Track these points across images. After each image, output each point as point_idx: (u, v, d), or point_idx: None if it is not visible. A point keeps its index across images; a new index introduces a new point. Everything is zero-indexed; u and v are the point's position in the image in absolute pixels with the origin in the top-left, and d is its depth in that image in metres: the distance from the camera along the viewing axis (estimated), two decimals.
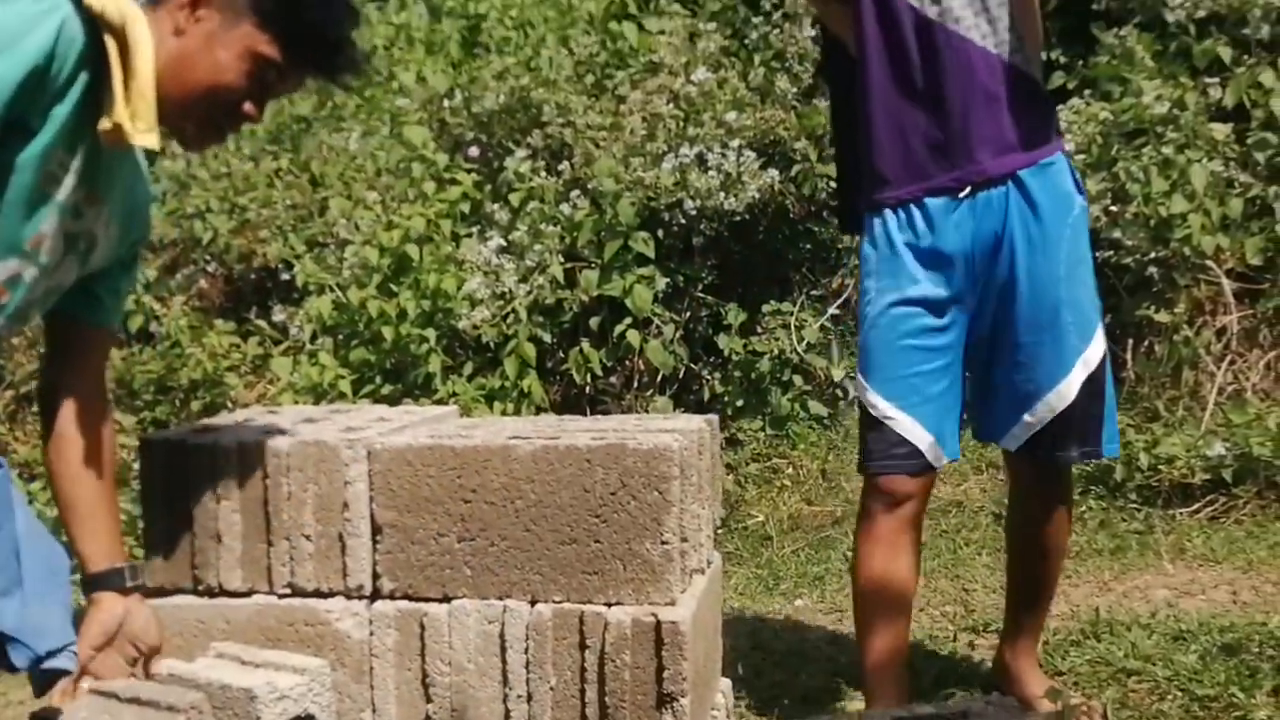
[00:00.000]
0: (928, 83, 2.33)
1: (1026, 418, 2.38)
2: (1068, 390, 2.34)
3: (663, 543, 2.08)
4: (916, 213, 2.36)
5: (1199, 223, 4.54)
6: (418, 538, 2.19)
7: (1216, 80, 4.84)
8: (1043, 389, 2.36)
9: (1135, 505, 4.05)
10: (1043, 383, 2.36)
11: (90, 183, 1.78)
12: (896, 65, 2.35)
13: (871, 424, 2.40)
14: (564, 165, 5.23)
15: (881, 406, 2.38)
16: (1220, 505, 3.95)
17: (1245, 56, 4.89)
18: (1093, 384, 2.35)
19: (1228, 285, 4.61)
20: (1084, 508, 4.09)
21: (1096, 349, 2.36)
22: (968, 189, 2.33)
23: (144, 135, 1.69)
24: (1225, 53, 4.86)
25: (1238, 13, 4.90)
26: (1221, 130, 4.72)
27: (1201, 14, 4.95)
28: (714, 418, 2.47)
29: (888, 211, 2.39)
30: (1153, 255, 4.61)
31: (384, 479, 2.20)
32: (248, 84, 1.77)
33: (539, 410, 4.77)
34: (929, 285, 2.36)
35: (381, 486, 2.20)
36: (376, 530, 2.21)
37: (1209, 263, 4.60)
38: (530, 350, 4.79)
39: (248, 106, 1.79)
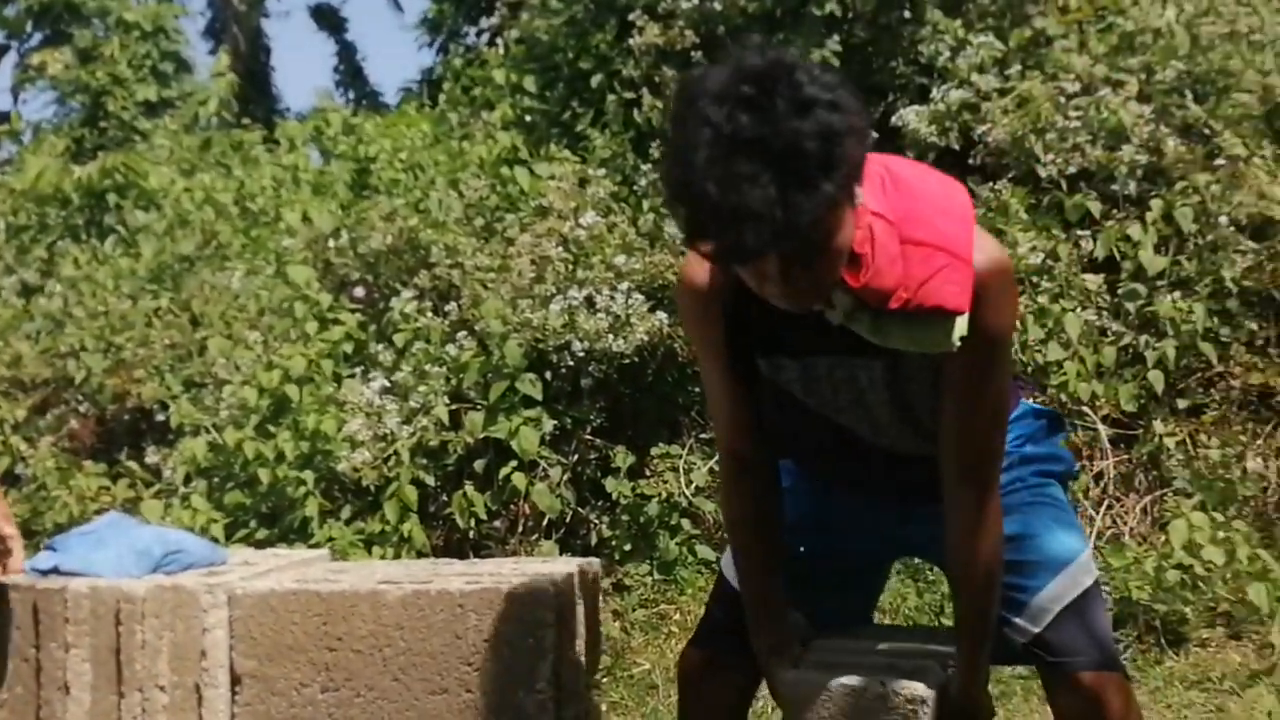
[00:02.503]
0: None
1: None
2: None
3: (537, 692, 2.01)
4: None
5: (1074, 370, 4.65)
6: (279, 688, 2.09)
7: (1088, 233, 5.00)
8: None
9: None
10: None
11: None
12: None
13: None
14: (451, 306, 5.20)
15: None
16: None
17: (1114, 210, 5.07)
18: None
19: (1104, 431, 4.70)
20: None
21: None
22: None
23: None
24: (1095, 207, 5.04)
25: (1105, 169, 5.10)
26: (1094, 281, 4.87)
27: (1072, 170, 5.14)
28: (594, 561, 2.42)
29: None
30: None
31: (245, 626, 2.10)
32: None
33: (420, 556, 4.65)
34: None
35: (242, 634, 2.11)
36: (235, 680, 2.11)
37: (1085, 409, 4.70)
38: (412, 493, 4.70)
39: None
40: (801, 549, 2.13)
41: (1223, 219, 4.89)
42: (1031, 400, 2.29)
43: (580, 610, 2.24)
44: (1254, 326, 4.87)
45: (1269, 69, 5.43)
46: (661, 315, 4.96)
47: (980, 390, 1.86)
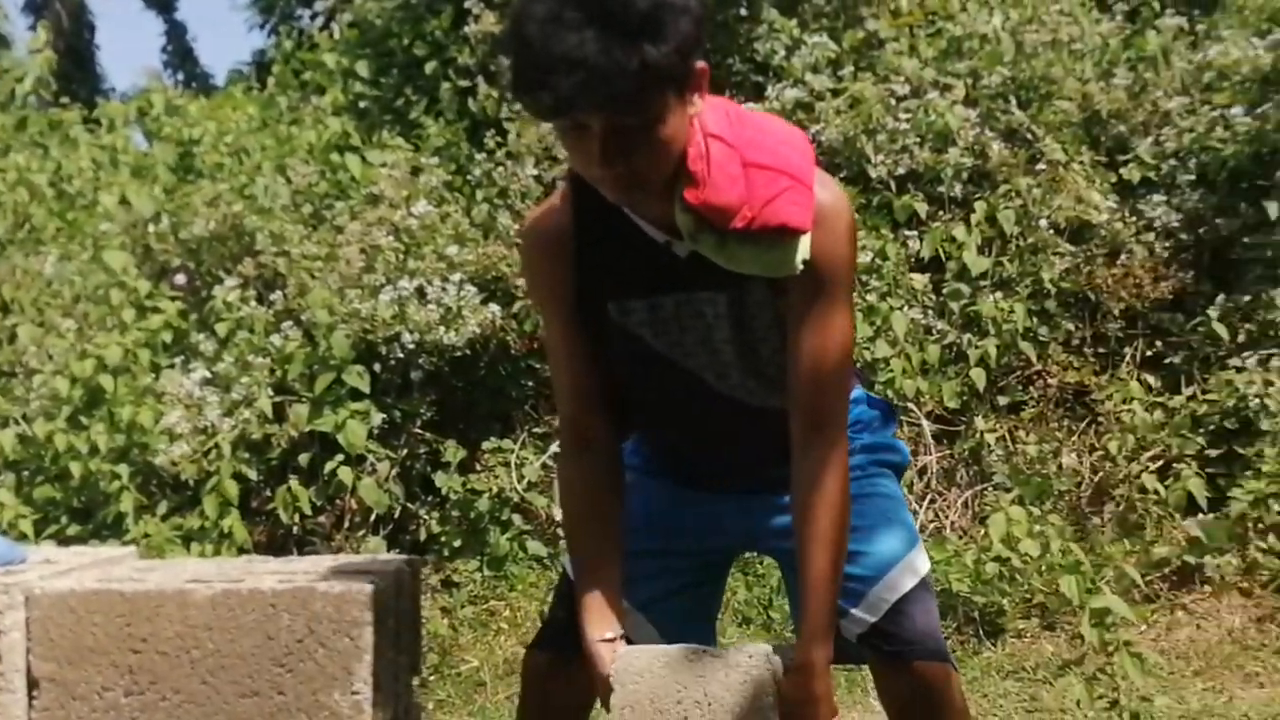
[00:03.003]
0: None
1: None
2: None
3: (353, 693, 1.94)
4: None
5: (900, 367, 4.74)
6: (79, 692, 1.97)
7: (915, 233, 5.10)
8: None
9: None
10: None
11: None
12: None
13: None
14: (276, 295, 5.06)
15: None
16: None
17: (940, 212, 5.19)
18: None
19: (928, 427, 4.80)
20: None
21: None
22: None
23: None
24: (922, 208, 5.14)
25: (933, 171, 5.21)
26: (920, 280, 4.97)
27: (901, 171, 5.24)
28: (416, 559, 2.35)
29: None
30: None
31: (43, 627, 1.98)
32: None
33: (241, 552, 4.51)
34: None
35: (40, 636, 1.98)
36: (33, 685, 1.99)
37: (910, 405, 4.79)
38: (233, 488, 4.55)
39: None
40: (644, 550, 2.06)
41: (1043, 222, 5.04)
42: (865, 390, 2.28)
43: (401, 608, 2.18)
44: (1070, 327, 5.03)
45: (1088, 77, 5.61)
46: (494, 308, 4.90)
47: (825, 324, 1.84)
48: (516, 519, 4.86)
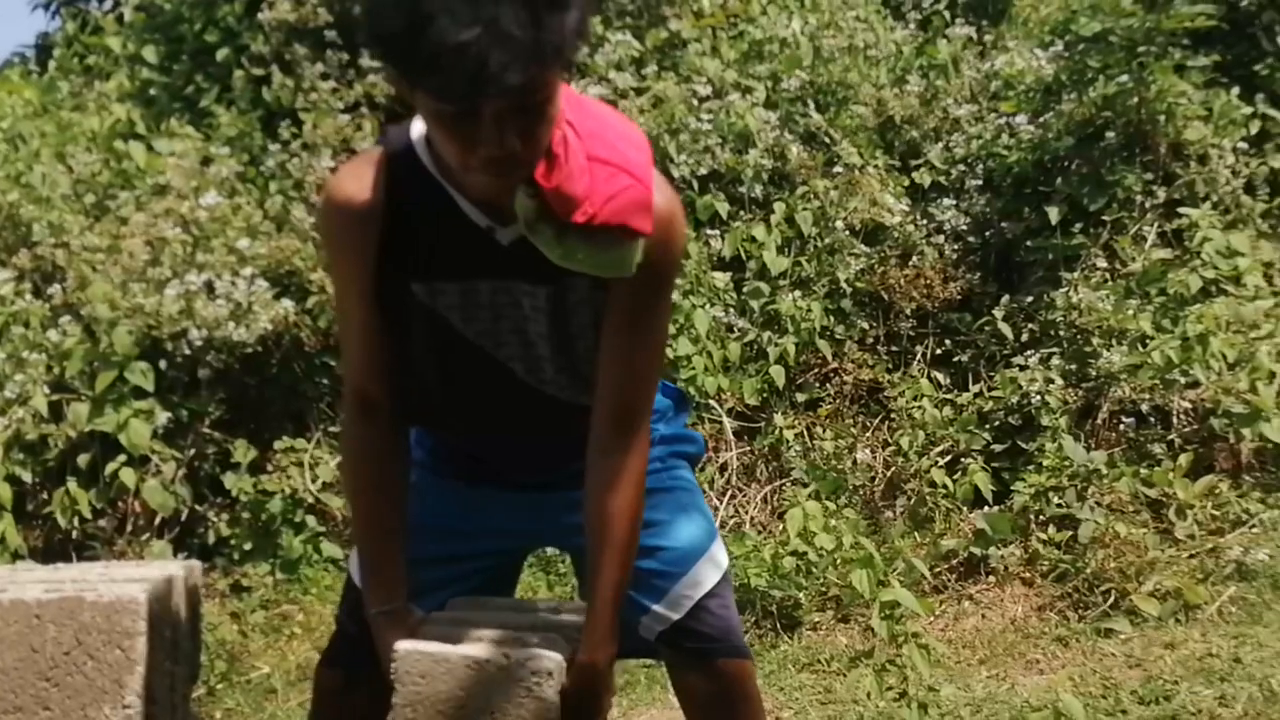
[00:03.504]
0: None
1: None
2: None
3: (124, 707, 1.84)
4: None
5: (702, 364, 4.78)
6: None
7: (717, 232, 5.15)
8: None
9: None
10: None
11: None
12: None
13: None
14: (54, 288, 4.80)
15: None
16: None
17: (741, 212, 5.25)
18: None
19: (728, 424, 4.85)
20: None
21: None
22: None
23: None
24: (723, 208, 5.20)
25: (734, 172, 5.27)
26: (721, 279, 5.02)
27: (703, 171, 5.28)
28: (194, 563, 2.24)
29: None
30: None
31: None
32: None
33: (16, 558, 4.27)
34: None
35: None
36: None
37: (712, 402, 4.83)
38: (6, 491, 4.30)
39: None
40: (432, 557, 2.00)
41: (839, 223, 5.14)
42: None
43: (179, 616, 2.08)
44: (865, 326, 5.15)
45: (883, 83, 5.76)
46: (287, 303, 4.74)
47: (645, 325, 1.81)
48: (311, 520, 4.73)
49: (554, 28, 1.45)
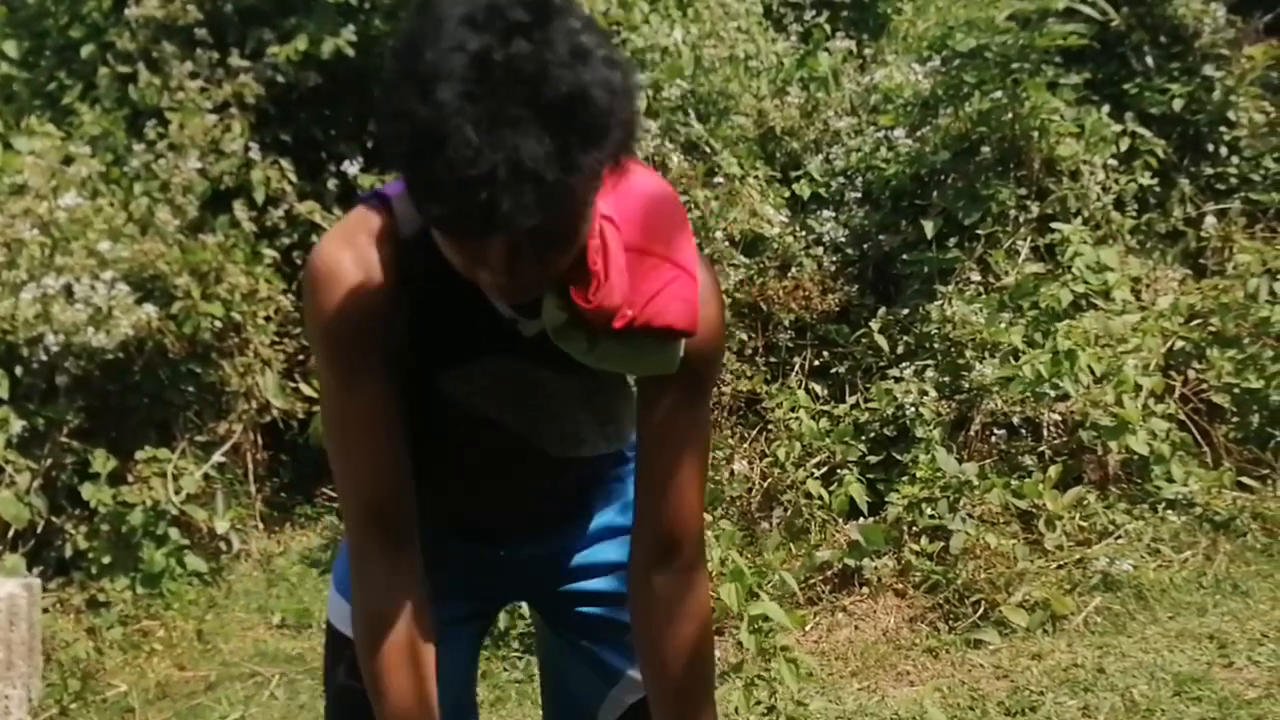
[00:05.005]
0: None
1: None
2: None
3: None
4: None
5: None
6: None
7: None
8: None
9: (517, 654, 4.03)
10: None
11: None
12: None
13: None
14: None
15: None
16: None
17: None
18: None
19: None
20: None
21: None
22: None
23: None
24: None
25: None
26: None
27: None
28: (34, 581, 2.14)
29: None
30: None
31: None
32: None
33: None
34: None
35: None
36: None
37: None
38: None
39: None
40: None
41: (719, 234, 5.13)
42: None
43: (15, 636, 1.96)
44: (744, 336, 5.13)
45: (764, 94, 5.77)
46: (150, 308, 4.60)
47: (690, 423, 1.59)
48: (174, 533, 4.59)
49: (586, 165, 1.22)
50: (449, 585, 1.72)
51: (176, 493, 4.57)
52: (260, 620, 4.58)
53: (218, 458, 4.89)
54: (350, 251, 1.48)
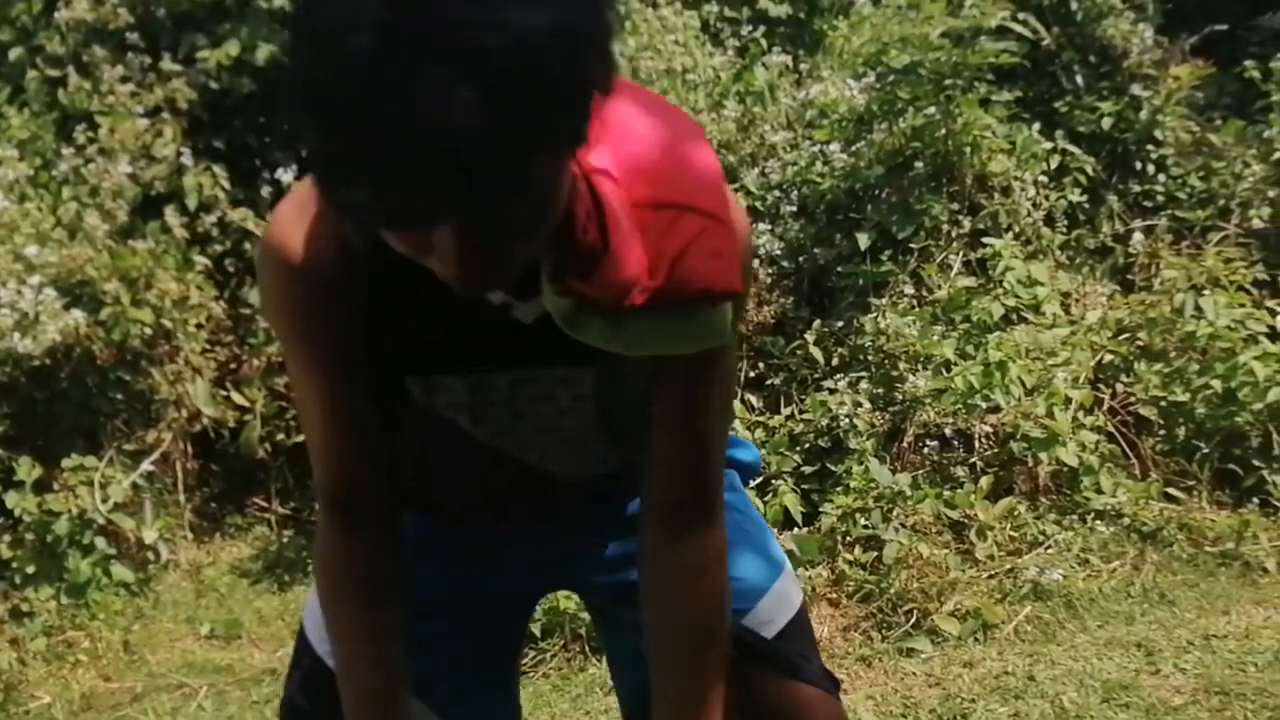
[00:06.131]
0: None
1: None
2: None
3: None
4: None
5: None
6: None
7: None
8: None
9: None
10: None
11: None
12: None
13: None
14: None
15: None
16: (530, 659, 4.00)
17: None
18: None
19: None
20: None
21: None
22: None
23: None
24: None
25: None
26: None
27: None
28: None
29: None
30: None
31: None
32: None
33: None
34: None
35: None
36: None
37: None
38: None
39: None
40: (432, 633, 1.58)
41: None
42: None
43: None
44: None
45: (701, 108, 5.80)
46: (78, 314, 4.53)
47: (709, 384, 1.35)
48: (100, 542, 4.52)
49: (529, 141, 0.95)
50: (477, 592, 1.62)
51: (104, 501, 4.51)
52: (189, 631, 4.52)
53: (146, 466, 4.82)
54: (304, 225, 1.27)
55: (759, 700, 1.54)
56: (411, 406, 1.40)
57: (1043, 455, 4.40)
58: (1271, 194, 5.65)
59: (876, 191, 5.35)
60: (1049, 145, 5.53)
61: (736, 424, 4.76)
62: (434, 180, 0.93)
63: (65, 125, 5.41)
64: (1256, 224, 5.57)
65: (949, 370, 4.61)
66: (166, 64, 5.39)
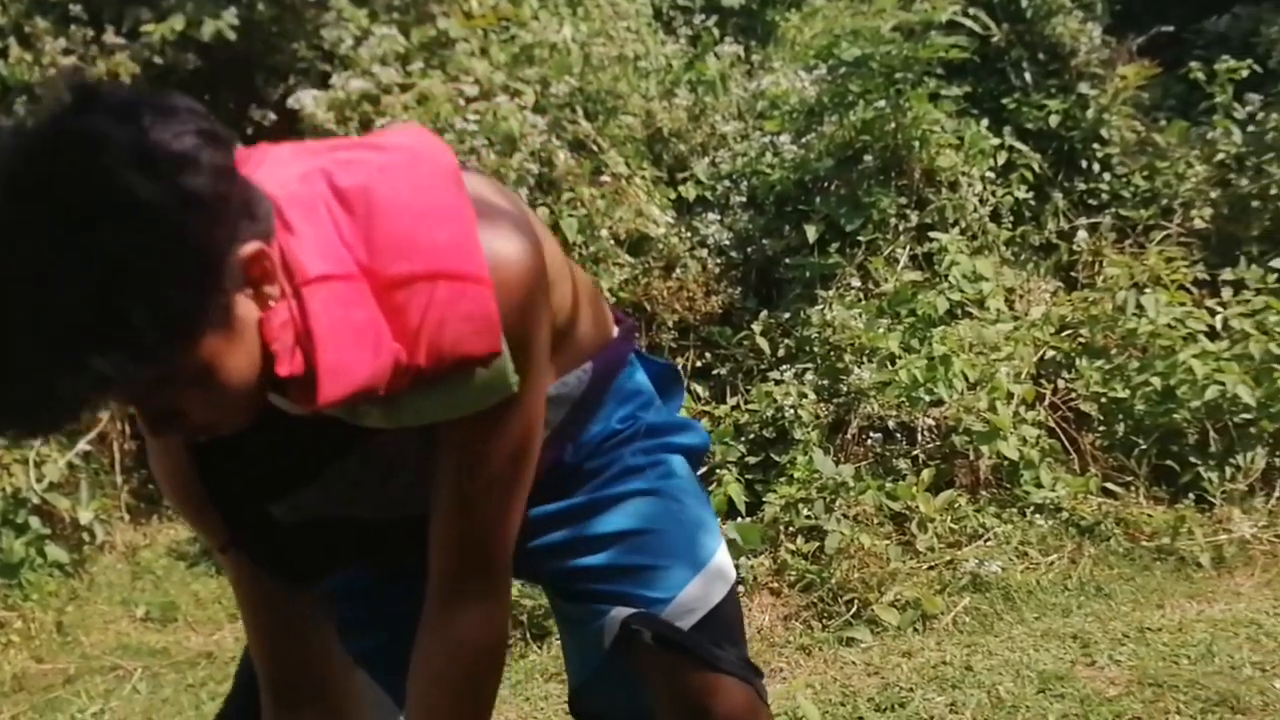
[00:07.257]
0: None
1: None
2: None
3: None
4: None
5: None
6: None
7: None
8: None
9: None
10: None
11: None
12: None
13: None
14: None
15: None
16: None
17: None
18: None
19: None
20: None
21: None
22: None
23: None
24: None
25: (499, 175, 5.19)
26: None
27: None
28: None
29: None
30: None
31: None
32: None
33: None
34: None
35: None
36: None
37: None
38: None
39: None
40: (375, 605, 1.66)
41: (604, 232, 5.12)
42: (636, 345, 1.80)
43: None
44: None
45: (652, 95, 5.78)
46: None
47: (487, 455, 1.37)
48: (34, 522, 4.47)
49: (100, 366, 1.00)
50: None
51: (39, 480, 4.44)
52: (124, 613, 4.46)
53: (83, 446, 4.75)
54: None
55: (675, 687, 1.63)
56: (290, 525, 1.46)
57: (984, 449, 4.43)
58: (1213, 195, 5.73)
59: (825, 184, 5.37)
60: (996, 141, 5.57)
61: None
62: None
63: (6, 97, 5.31)
64: (1198, 224, 5.64)
65: (894, 363, 4.64)
66: (110, 37, 5.31)
